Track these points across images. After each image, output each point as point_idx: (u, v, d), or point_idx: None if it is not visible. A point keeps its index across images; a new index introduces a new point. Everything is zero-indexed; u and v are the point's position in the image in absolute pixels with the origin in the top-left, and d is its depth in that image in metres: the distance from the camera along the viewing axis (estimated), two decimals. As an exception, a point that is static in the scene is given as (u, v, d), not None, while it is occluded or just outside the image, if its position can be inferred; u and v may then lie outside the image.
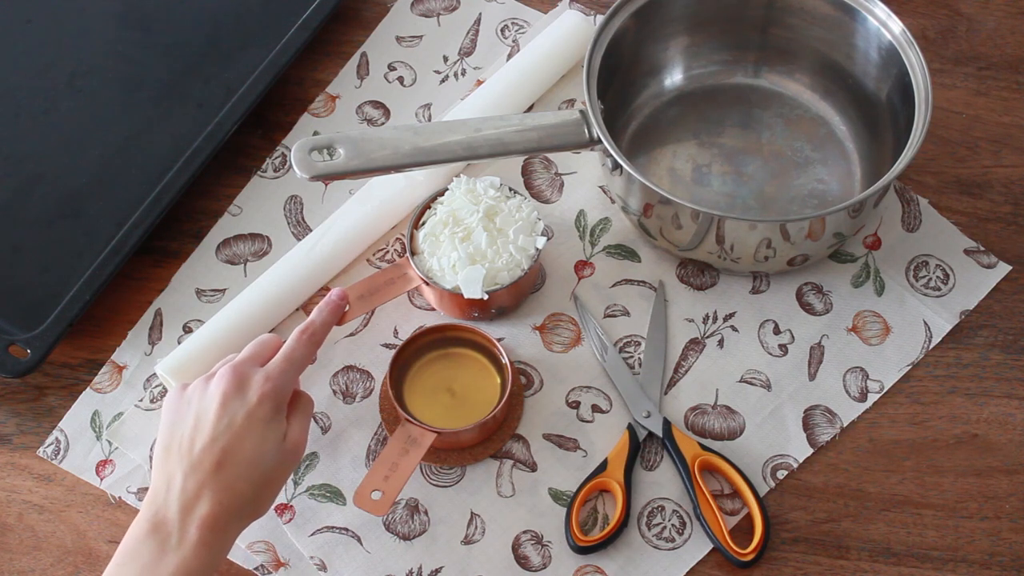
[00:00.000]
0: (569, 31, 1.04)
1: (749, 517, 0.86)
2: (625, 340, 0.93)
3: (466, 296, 0.89)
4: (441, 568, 0.85)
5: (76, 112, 1.00)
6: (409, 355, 0.90)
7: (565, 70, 1.05)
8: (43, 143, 0.99)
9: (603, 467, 0.87)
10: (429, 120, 1.05)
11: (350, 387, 0.92)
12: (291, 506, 0.87)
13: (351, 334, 0.94)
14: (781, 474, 0.88)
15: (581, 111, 0.92)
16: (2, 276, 0.93)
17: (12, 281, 0.92)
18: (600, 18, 1.04)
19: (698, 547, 0.85)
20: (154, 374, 0.93)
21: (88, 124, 1.00)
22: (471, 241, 0.90)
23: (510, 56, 1.08)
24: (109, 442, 0.90)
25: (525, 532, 0.86)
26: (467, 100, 1.01)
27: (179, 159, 0.96)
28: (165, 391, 0.92)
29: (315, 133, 1.04)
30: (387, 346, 0.94)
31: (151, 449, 0.90)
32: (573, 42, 1.04)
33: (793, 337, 0.94)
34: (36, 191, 0.96)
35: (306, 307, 0.95)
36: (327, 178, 0.88)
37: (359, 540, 0.86)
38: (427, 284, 0.90)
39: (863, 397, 0.91)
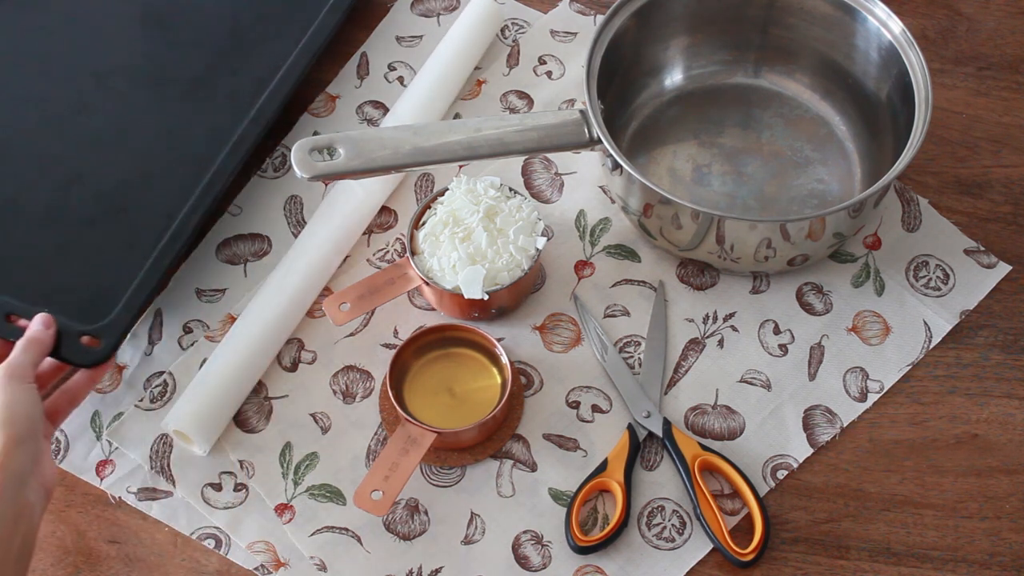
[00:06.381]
0: (480, 15, 1.06)
1: (749, 517, 0.86)
2: (625, 340, 0.93)
3: (466, 296, 0.89)
4: (441, 568, 0.85)
5: (107, 111, 1.00)
6: (409, 355, 0.90)
7: (481, 53, 1.07)
8: (77, 143, 0.98)
9: (603, 467, 0.87)
10: (429, 120, 1.05)
11: (350, 387, 0.92)
12: (291, 506, 0.87)
13: (351, 334, 0.94)
14: (781, 474, 0.88)
15: (581, 111, 0.92)
16: (51, 275, 0.92)
17: (62, 279, 0.91)
18: (600, 18, 1.04)
19: (698, 547, 0.85)
20: (154, 373, 0.93)
21: (121, 122, 1.00)
22: (471, 241, 0.90)
23: (509, 56, 1.08)
24: (109, 442, 0.90)
25: (525, 532, 0.86)
26: (401, 99, 1.03)
27: (219, 147, 0.96)
28: (165, 391, 0.92)
29: (315, 133, 1.04)
30: (387, 346, 0.94)
31: (151, 449, 0.90)
32: (485, 25, 1.07)
33: (793, 337, 0.94)
34: (75, 190, 0.96)
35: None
36: (327, 178, 0.88)
37: (359, 540, 0.86)
38: (427, 284, 0.90)
39: (863, 397, 0.91)
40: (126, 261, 0.91)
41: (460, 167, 1.00)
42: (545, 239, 0.91)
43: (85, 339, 0.86)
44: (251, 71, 1.02)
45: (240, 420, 0.91)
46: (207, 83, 1.02)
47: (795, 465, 0.88)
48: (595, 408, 0.91)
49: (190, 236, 0.92)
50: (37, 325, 0.83)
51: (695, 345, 0.93)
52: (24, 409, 0.76)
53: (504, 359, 0.88)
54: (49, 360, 0.84)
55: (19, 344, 0.81)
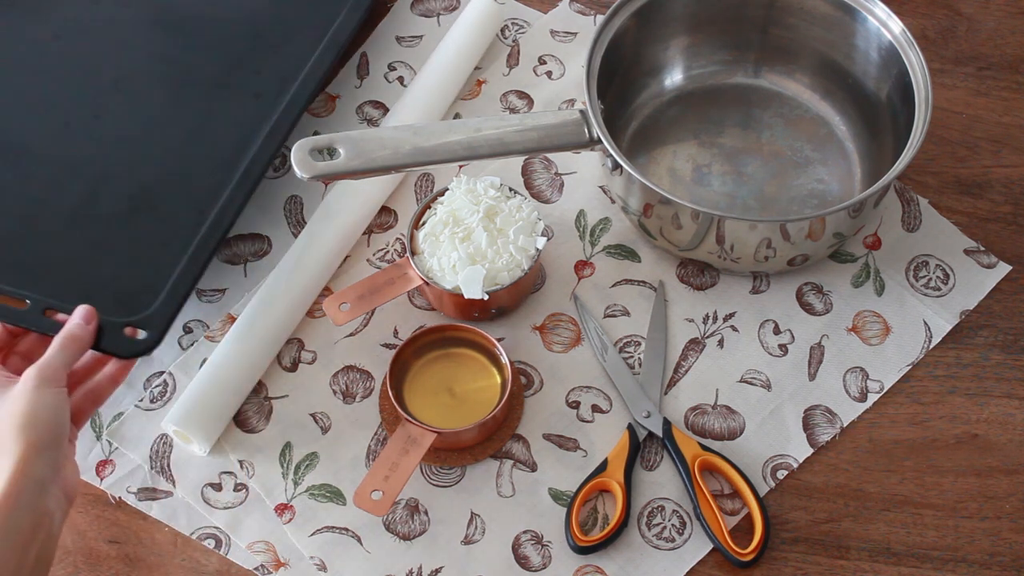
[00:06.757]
0: (480, 15, 1.07)
1: (749, 517, 0.86)
2: (625, 340, 0.93)
3: (466, 296, 0.89)
4: (441, 568, 0.85)
5: (128, 114, 1.00)
6: (409, 355, 0.90)
7: (481, 53, 1.07)
8: (101, 146, 0.98)
9: (603, 467, 0.87)
10: (429, 120, 1.05)
11: (350, 387, 0.92)
12: (291, 506, 0.87)
13: (351, 334, 0.94)
14: (781, 474, 0.88)
15: (581, 111, 0.91)
16: (87, 272, 0.91)
17: (98, 276, 0.91)
18: (600, 18, 1.04)
19: (698, 547, 0.85)
20: (154, 374, 0.93)
21: (143, 123, 0.99)
22: (471, 241, 0.90)
23: (509, 56, 1.08)
24: (109, 442, 0.90)
25: (525, 532, 0.86)
26: (401, 99, 1.03)
27: (248, 144, 0.97)
28: (165, 391, 0.92)
29: (315, 133, 1.04)
30: (387, 346, 0.94)
31: (151, 449, 0.90)
32: (485, 25, 1.07)
33: (793, 337, 0.94)
34: (103, 191, 0.95)
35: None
36: (327, 178, 0.88)
37: (359, 540, 0.86)
38: (427, 284, 0.90)
39: (863, 397, 0.91)
40: (161, 256, 0.91)
41: (460, 167, 1.00)
42: (545, 239, 0.91)
43: (128, 330, 0.86)
44: (274, 70, 1.01)
45: (240, 420, 0.91)
46: (229, 84, 1.01)
47: (795, 465, 0.88)
48: (595, 408, 0.91)
49: (228, 227, 0.92)
50: (77, 319, 0.81)
51: (695, 345, 0.93)
52: (49, 414, 0.75)
53: (504, 359, 0.88)
54: (90, 353, 0.83)
55: (56, 342, 0.79)
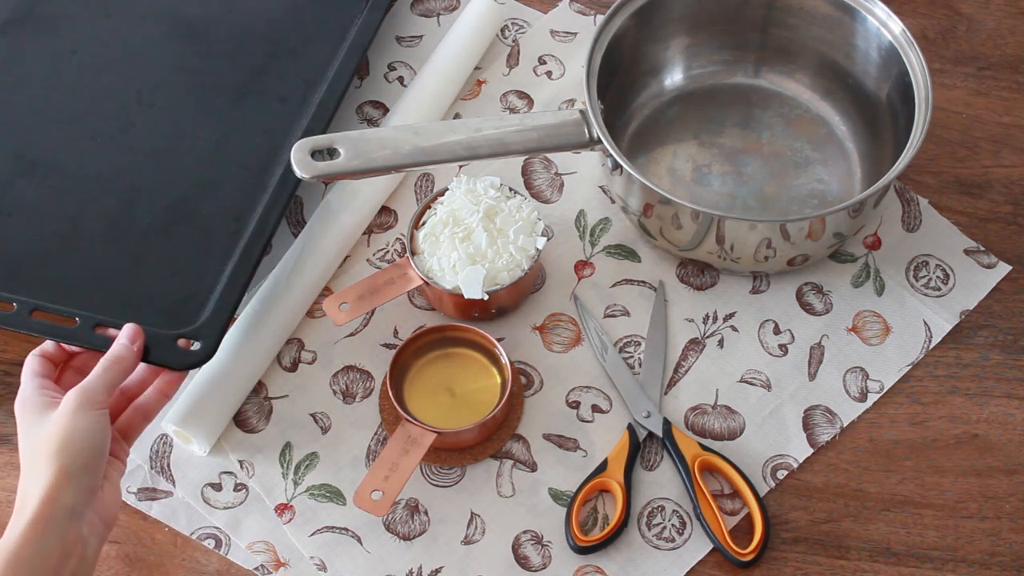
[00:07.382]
0: (480, 15, 1.07)
1: (749, 517, 0.86)
2: (625, 340, 0.93)
3: (466, 296, 0.89)
4: (441, 568, 0.85)
5: (155, 125, 0.99)
6: (409, 355, 0.90)
7: (481, 53, 1.08)
8: (131, 159, 0.97)
9: (603, 467, 0.87)
10: (429, 120, 1.05)
11: (350, 387, 0.92)
12: (291, 506, 0.87)
13: (351, 334, 0.94)
14: (781, 474, 0.88)
15: (581, 111, 0.92)
16: (131, 286, 0.91)
17: (142, 289, 0.91)
18: (600, 18, 1.04)
19: (698, 547, 0.85)
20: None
21: (170, 134, 0.99)
22: (471, 241, 0.90)
23: (509, 56, 1.08)
24: (109, 442, 0.90)
25: (525, 532, 0.86)
26: (401, 99, 1.03)
27: (279, 149, 0.97)
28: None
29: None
30: (387, 346, 0.94)
31: (151, 449, 0.90)
32: (485, 25, 1.07)
33: (793, 337, 0.94)
34: (139, 204, 0.95)
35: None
36: (327, 178, 0.88)
37: (359, 540, 0.86)
38: (427, 284, 0.90)
39: (863, 397, 0.91)
40: (204, 266, 0.91)
41: (460, 167, 1.00)
42: (545, 239, 0.91)
43: (182, 342, 0.86)
44: (296, 75, 1.02)
45: (240, 420, 0.91)
46: (253, 90, 1.01)
47: (795, 465, 0.88)
48: (595, 408, 0.91)
49: (270, 234, 0.92)
50: (123, 340, 0.81)
51: (695, 345, 0.93)
52: (84, 439, 0.74)
53: (504, 359, 0.88)
54: (143, 366, 0.83)
55: (100, 364, 0.79)
